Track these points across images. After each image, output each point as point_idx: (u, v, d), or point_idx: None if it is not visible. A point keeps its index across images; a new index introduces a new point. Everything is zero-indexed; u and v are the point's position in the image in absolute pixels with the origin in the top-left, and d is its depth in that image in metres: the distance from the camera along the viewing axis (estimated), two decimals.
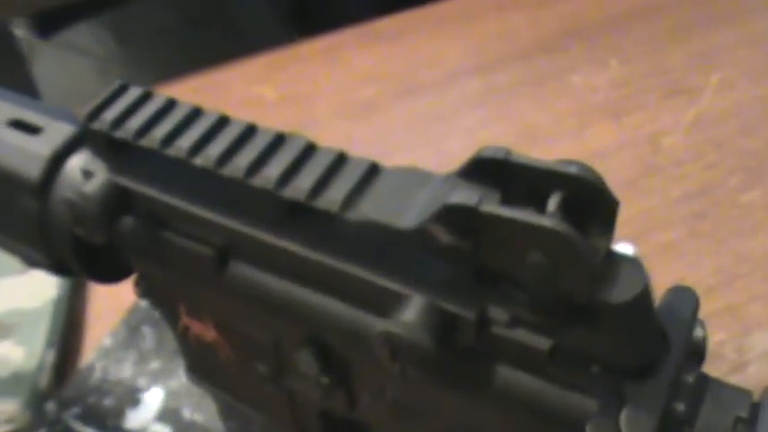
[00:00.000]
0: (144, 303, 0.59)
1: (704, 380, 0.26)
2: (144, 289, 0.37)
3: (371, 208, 0.27)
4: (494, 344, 0.26)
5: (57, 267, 0.39)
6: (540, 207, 0.23)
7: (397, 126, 0.75)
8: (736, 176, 0.69)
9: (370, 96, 0.78)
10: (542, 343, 0.25)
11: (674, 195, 0.67)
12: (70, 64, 0.94)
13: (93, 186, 0.32)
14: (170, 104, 0.32)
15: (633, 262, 0.24)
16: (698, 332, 0.26)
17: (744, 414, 0.25)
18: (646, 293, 0.24)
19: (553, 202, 0.23)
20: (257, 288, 0.31)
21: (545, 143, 0.73)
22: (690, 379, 0.25)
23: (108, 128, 0.32)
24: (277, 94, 0.77)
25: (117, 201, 0.32)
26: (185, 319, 0.37)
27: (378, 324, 0.26)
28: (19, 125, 0.38)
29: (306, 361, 0.32)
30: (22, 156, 0.36)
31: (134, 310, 0.60)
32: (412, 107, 0.77)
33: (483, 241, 0.24)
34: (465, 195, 0.24)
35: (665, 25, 0.84)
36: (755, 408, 0.25)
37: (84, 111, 0.32)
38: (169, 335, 0.46)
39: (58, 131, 0.37)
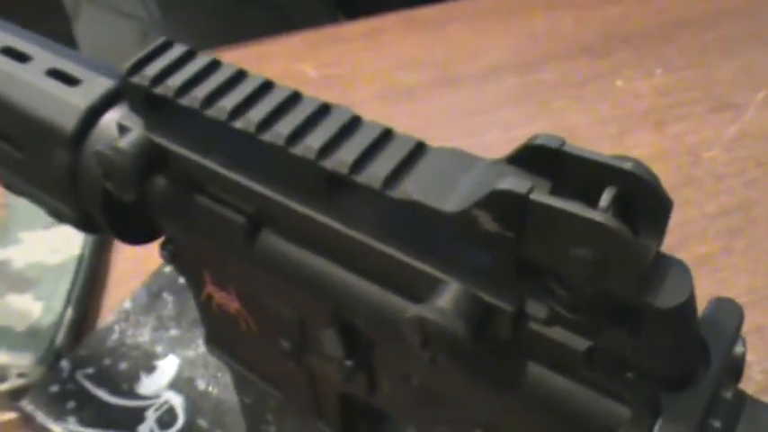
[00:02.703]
0: (167, 269, 0.60)
1: (742, 397, 0.25)
2: (170, 253, 0.36)
3: (414, 188, 0.26)
4: (529, 340, 0.25)
5: (84, 223, 0.38)
6: (592, 201, 0.22)
7: (436, 115, 0.75)
8: None
9: (409, 83, 0.77)
10: (579, 343, 0.24)
11: (711, 209, 0.66)
12: (113, 26, 0.94)
13: (127, 141, 0.31)
14: (214, 65, 0.31)
15: (681, 267, 0.23)
16: (738, 347, 0.25)
17: None
18: (691, 301, 0.23)
19: (606, 197, 0.22)
20: (287, 261, 0.30)
21: (583, 146, 0.72)
22: (728, 395, 0.24)
23: (149, 83, 0.31)
24: (317, 73, 0.77)
25: (151, 158, 0.31)
26: (210, 288, 0.36)
27: (411, 308, 0.25)
28: (58, 75, 0.37)
29: (331, 341, 0.31)
30: (59, 106, 0.36)
31: (157, 275, 0.60)
32: (451, 98, 0.76)
33: (529, 232, 0.23)
34: (515, 182, 0.23)
35: (714, 38, 0.83)
36: None
37: (125, 65, 0.31)
38: (190, 303, 0.46)
39: (96, 84, 0.36)
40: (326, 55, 0.79)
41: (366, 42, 0.81)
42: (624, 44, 0.81)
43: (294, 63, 0.78)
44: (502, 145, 0.74)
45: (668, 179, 0.69)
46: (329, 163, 0.27)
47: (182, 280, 0.59)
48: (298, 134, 0.28)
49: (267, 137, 0.28)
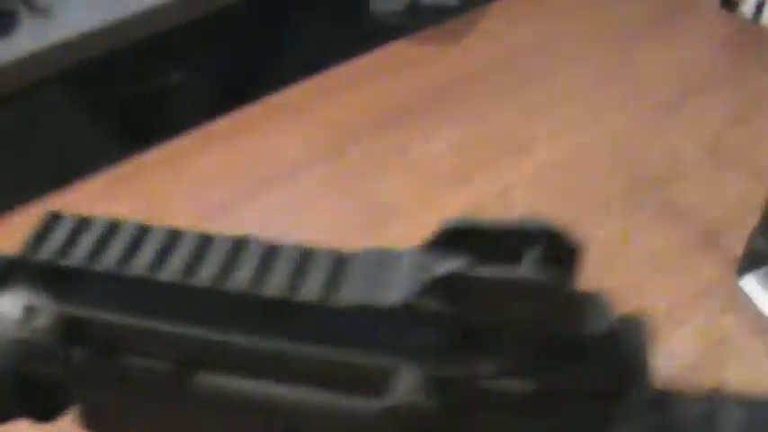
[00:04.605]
0: None
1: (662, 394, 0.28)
2: (90, 420, 0.34)
3: (352, 292, 0.28)
4: (482, 394, 0.27)
5: None
6: (511, 262, 0.25)
7: (255, 222, 0.75)
8: (586, 218, 0.73)
9: (223, 198, 0.77)
10: (527, 385, 0.27)
11: None
12: None
13: (43, 321, 0.31)
14: (113, 225, 0.31)
15: (599, 297, 0.26)
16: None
17: None
18: (616, 323, 0.26)
19: (531, 257, 0.25)
20: (227, 394, 0.31)
21: (403, 218, 0.75)
22: (654, 396, 0.28)
23: (54, 257, 0.30)
24: (129, 209, 0.75)
25: (71, 331, 0.31)
26: None
27: (369, 404, 0.27)
28: None
29: None
30: None
31: None
32: (265, 202, 0.77)
33: (471, 304, 0.26)
34: (452, 264, 0.25)
35: (489, 87, 0.89)
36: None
37: (21, 246, 0.31)
38: None
39: None
40: (132, 189, 0.78)
41: (168, 168, 0.81)
42: (411, 113, 0.85)
43: (100, 204, 0.76)
44: (325, 237, 0.75)
45: None
46: (266, 290, 0.28)
47: None
48: (224, 271, 0.29)
49: (195, 281, 0.29)
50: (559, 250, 0.26)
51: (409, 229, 0.73)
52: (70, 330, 0.31)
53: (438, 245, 0.27)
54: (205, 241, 0.30)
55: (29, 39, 0.82)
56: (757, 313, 0.65)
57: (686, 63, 0.92)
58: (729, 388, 0.29)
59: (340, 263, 0.29)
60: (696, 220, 0.74)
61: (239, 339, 0.29)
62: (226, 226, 0.73)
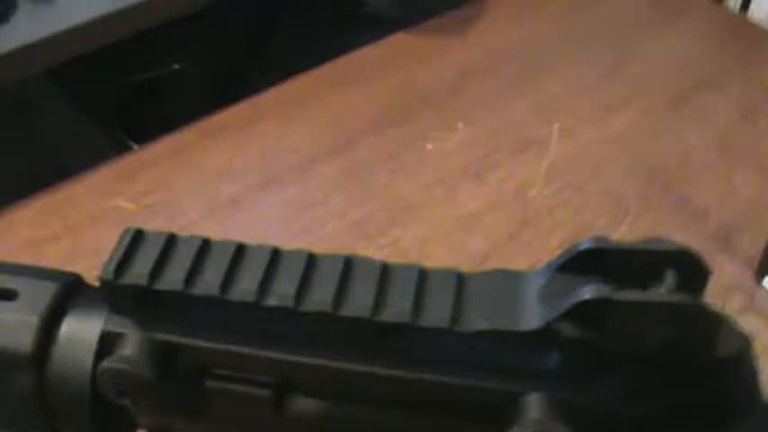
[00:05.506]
0: None
1: None
2: None
3: (480, 317, 0.27)
4: (611, 418, 0.27)
5: None
6: (644, 285, 0.25)
7: (270, 218, 0.73)
8: (602, 218, 0.72)
9: (232, 193, 0.75)
10: (652, 409, 0.26)
11: (553, 243, 0.70)
12: None
13: (132, 348, 0.29)
14: (205, 245, 0.30)
15: (729, 319, 0.26)
16: None
17: None
18: (747, 349, 0.26)
19: (671, 279, 0.25)
20: (330, 418, 0.30)
21: (418, 212, 0.74)
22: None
23: (146, 281, 0.29)
24: (135, 204, 0.73)
25: (164, 359, 0.29)
26: None
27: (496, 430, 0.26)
28: None
29: None
30: (4, 327, 0.31)
31: None
32: (278, 197, 0.75)
33: (610, 329, 0.25)
34: (595, 289, 0.25)
35: (500, 81, 0.88)
36: None
37: (105, 268, 0.29)
38: None
39: (38, 292, 0.32)
40: (137, 184, 0.76)
41: (173, 162, 0.78)
42: (423, 106, 0.84)
43: (105, 199, 0.74)
44: (342, 233, 0.75)
45: (506, 228, 0.73)
46: (386, 316, 0.27)
47: None
48: (339, 295, 0.28)
49: (309, 306, 0.28)
50: (693, 270, 0.26)
51: (426, 227, 0.72)
52: (162, 358, 0.29)
53: (568, 267, 0.27)
54: (310, 261, 0.29)
55: (27, 26, 0.79)
56: None
57: (687, 58, 0.92)
58: None
59: (461, 284, 0.28)
60: (709, 221, 0.74)
61: (347, 365, 0.28)
62: (240, 221, 0.72)
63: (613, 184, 0.77)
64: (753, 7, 1.39)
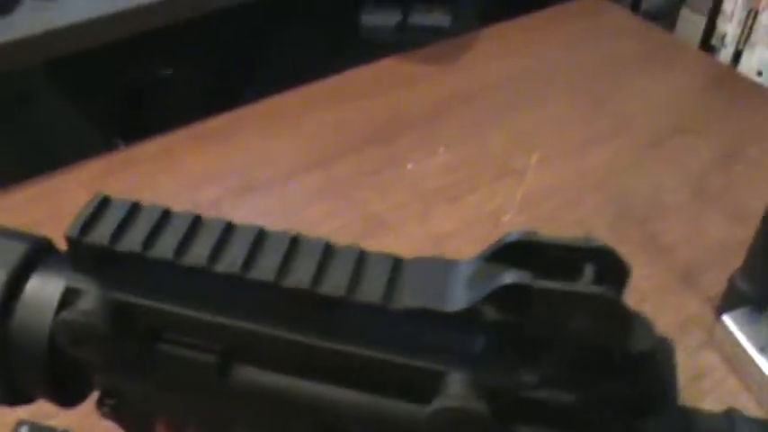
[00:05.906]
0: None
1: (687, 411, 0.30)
2: (112, 408, 0.34)
3: (412, 297, 0.28)
4: (525, 403, 0.28)
5: (9, 398, 0.35)
6: (567, 278, 0.26)
7: (247, 222, 0.75)
8: None
9: (212, 197, 0.77)
10: (566, 397, 0.28)
11: None
12: None
13: (91, 303, 0.30)
14: (165, 213, 0.31)
15: (644, 317, 0.27)
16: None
17: None
18: (665, 348, 0.28)
19: (589, 272, 0.27)
20: (270, 389, 0.31)
21: (392, 228, 0.75)
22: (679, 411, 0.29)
23: (108, 242, 0.30)
24: None
25: (118, 317, 0.31)
26: None
27: (418, 407, 0.28)
28: None
29: None
30: None
31: None
32: (258, 204, 0.77)
33: (530, 315, 0.27)
34: (517, 275, 0.26)
35: (485, 110, 0.90)
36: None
37: (71, 227, 0.31)
38: None
39: (7, 250, 0.34)
40: (123, 181, 0.78)
41: (159, 163, 0.81)
42: (409, 128, 0.86)
43: (92, 192, 0.76)
44: None
45: (476, 249, 0.74)
46: (324, 288, 0.29)
47: None
48: (284, 267, 0.29)
49: (254, 274, 0.29)
50: (614, 269, 0.27)
51: (397, 241, 0.74)
52: (117, 315, 0.31)
53: (496, 257, 0.28)
54: (261, 235, 0.30)
55: (28, 21, 0.81)
56: (734, 350, 0.66)
57: (672, 101, 0.94)
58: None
59: (397, 267, 0.30)
60: (676, 258, 0.76)
61: (289, 335, 0.30)
62: None
63: (585, 216, 0.78)
64: (743, 61, 1.43)
